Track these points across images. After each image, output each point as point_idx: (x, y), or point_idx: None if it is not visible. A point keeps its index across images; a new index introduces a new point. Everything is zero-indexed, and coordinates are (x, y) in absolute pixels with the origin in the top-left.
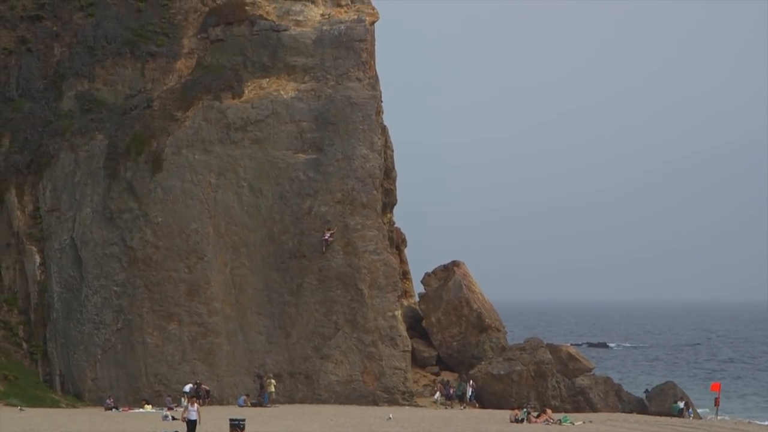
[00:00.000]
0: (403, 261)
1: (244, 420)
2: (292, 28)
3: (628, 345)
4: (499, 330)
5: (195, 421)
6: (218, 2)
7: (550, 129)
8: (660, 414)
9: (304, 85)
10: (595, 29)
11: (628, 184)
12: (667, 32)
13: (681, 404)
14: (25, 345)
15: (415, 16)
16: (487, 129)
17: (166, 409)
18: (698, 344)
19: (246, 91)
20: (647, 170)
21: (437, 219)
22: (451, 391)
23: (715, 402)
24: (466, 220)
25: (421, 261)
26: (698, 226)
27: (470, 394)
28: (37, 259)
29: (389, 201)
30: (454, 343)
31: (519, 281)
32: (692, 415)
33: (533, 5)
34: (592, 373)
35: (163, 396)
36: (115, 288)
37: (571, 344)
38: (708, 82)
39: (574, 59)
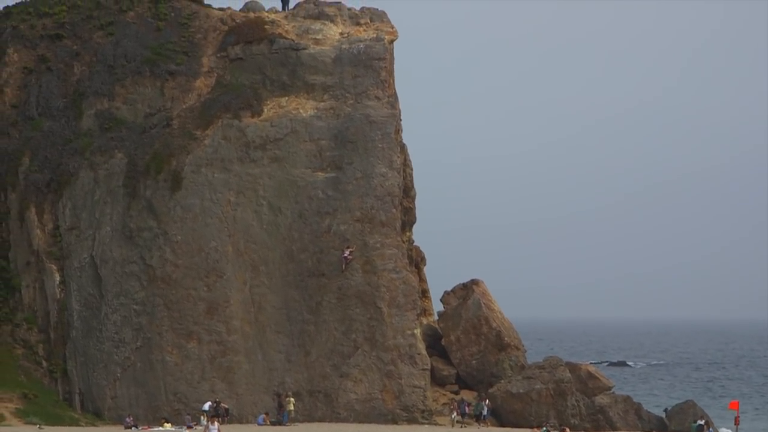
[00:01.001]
0: (422, 279)
1: None
2: (312, 46)
3: (647, 363)
4: (518, 348)
5: None
6: (238, 21)
7: (566, 144)
8: None
9: (323, 103)
10: (597, 53)
11: (630, 199)
12: (666, 61)
13: (701, 423)
14: (44, 363)
15: (433, 37)
16: (500, 146)
17: (185, 427)
18: (718, 363)
19: (265, 110)
20: (648, 185)
21: (455, 235)
22: (467, 409)
23: (735, 421)
24: (483, 234)
25: (440, 279)
26: (697, 242)
27: (486, 412)
28: (57, 277)
29: (408, 219)
30: (474, 362)
31: (529, 297)
32: None
33: (542, 29)
34: (611, 391)
35: (183, 414)
36: (135, 306)
37: (591, 363)
38: (710, 101)
39: (578, 80)
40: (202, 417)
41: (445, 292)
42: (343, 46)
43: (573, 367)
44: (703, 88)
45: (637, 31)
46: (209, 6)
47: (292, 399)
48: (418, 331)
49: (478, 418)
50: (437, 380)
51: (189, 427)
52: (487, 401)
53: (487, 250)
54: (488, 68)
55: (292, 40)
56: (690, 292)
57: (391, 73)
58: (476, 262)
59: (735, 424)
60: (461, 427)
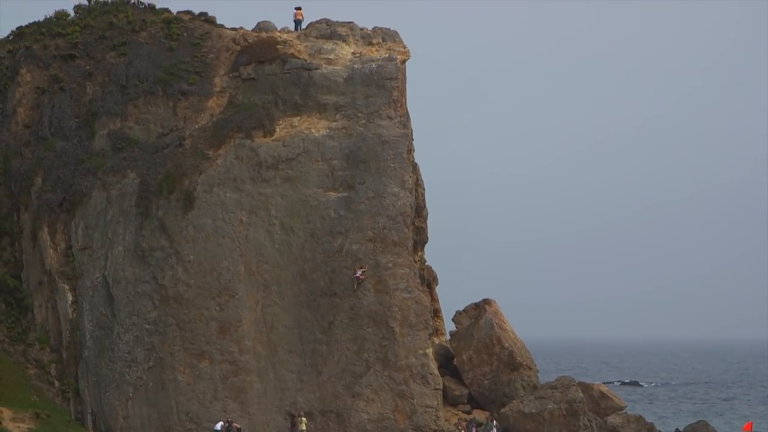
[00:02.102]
0: (434, 299)
1: None
2: (324, 66)
3: (659, 383)
4: (530, 368)
5: None
6: (250, 41)
7: (570, 163)
8: None
9: (335, 123)
10: (601, 75)
11: (627, 220)
12: (669, 84)
13: None
14: (57, 383)
15: (445, 58)
16: (502, 166)
17: None
18: (730, 382)
19: (277, 130)
20: (649, 204)
21: (466, 253)
22: (474, 430)
23: None
24: (493, 252)
25: (452, 298)
26: (697, 260)
27: None
28: (70, 297)
29: (420, 239)
30: (486, 382)
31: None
32: None
33: (551, 51)
34: (624, 411)
35: None
36: (147, 326)
37: (603, 382)
38: (715, 118)
39: (583, 101)
40: None
41: (457, 311)
42: (356, 66)
43: (585, 387)
44: (706, 108)
45: (644, 53)
46: (222, 26)
47: (304, 419)
48: (430, 351)
49: None
50: (449, 400)
51: None
52: (495, 421)
53: (489, 268)
54: (499, 89)
55: (305, 60)
56: (688, 312)
57: (403, 92)
58: (473, 279)
59: None
60: None
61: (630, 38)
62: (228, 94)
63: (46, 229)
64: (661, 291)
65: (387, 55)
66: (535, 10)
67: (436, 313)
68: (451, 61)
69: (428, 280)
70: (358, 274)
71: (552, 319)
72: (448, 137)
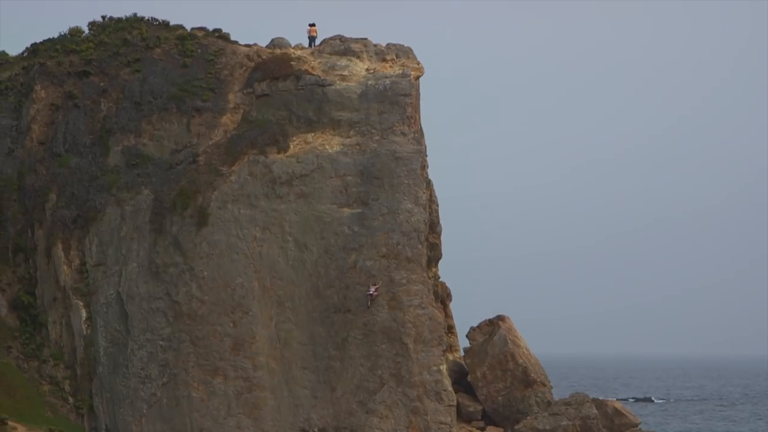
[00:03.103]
0: (448, 315)
1: None
2: (338, 82)
3: (672, 399)
4: (544, 385)
5: None
6: (264, 57)
7: (573, 180)
8: None
9: (349, 139)
10: (603, 96)
11: (628, 234)
12: (669, 105)
13: None
14: (71, 399)
15: (458, 76)
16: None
17: None
18: (738, 400)
19: (291, 146)
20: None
21: (479, 266)
22: None
23: None
24: (507, 265)
25: (465, 311)
26: (695, 277)
27: None
28: (84, 313)
29: (434, 255)
30: (500, 398)
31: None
32: None
33: (556, 72)
34: (638, 428)
35: None
36: (161, 342)
37: (617, 399)
38: (714, 135)
39: (587, 119)
40: None
41: (471, 328)
42: (369, 83)
43: (599, 404)
44: (704, 130)
45: (652, 68)
46: (236, 42)
47: None
48: (444, 367)
49: None
50: (463, 416)
51: None
52: None
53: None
54: (509, 105)
55: (319, 76)
56: (684, 327)
57: (417, 109)
58: (482, 293)
59: None
60: None
61: (639, 54)
62: (242, 111)
63: (60, 246)
64: (653, 306)
65: (401, 72)
66: (544, 27)
67: (450, 329)
68: (463, 77)
69: (442, 297)
70: (371, 291)
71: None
72: (459, 152)
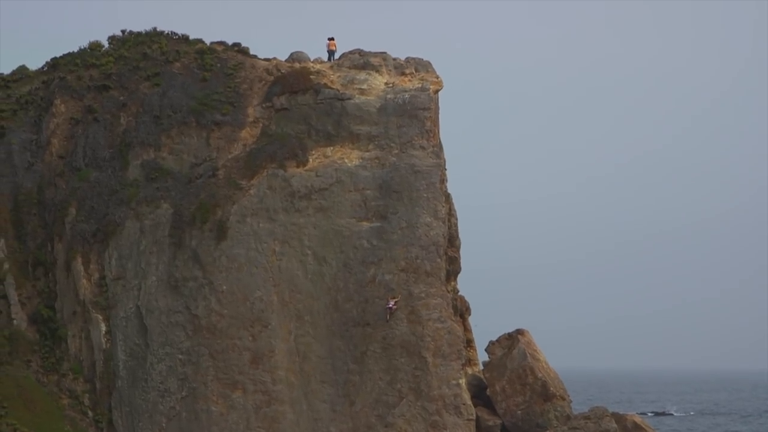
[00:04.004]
0: (467, 329)
1: None
2: (357, 96)
3: (691, 412)
4: (563, 399)
5: None
6: (283, 71)
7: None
8: None
9: (368, 153)
10: (605, 110)
11: (628, 245)
12: (669, 118)
13: None
14: (90, 413)
15: (470, 89)
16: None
17: None
18: (760, 414)
19: (310, 160)
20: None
21: (491, 276)
22: None
23: None
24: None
25: (485, 327)
26: (694, 290)
27: None
28: (103, 327)
29: (453, 269)
30: (519, 412)
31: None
32: None
33: (559, 86)
34: None
35: None
36: (180, 356)
37: (637, 413)
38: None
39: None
40: None
41: (490, 341)
42: (388, 96)
43: (619, 418)
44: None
45: (662, 73)
46: (255, 56)
47: None
48: (463, 381)
49: None
50: (482, 430)
51: None
52: None
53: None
54: (503, 124)
55: (338, 90)
56: (682, 341)
57: (436, 122)
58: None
59: None
60: None
61: (631, 78)
62: (261, 125)
63: (79, 259)
64: (642, 321)
65: (420, 85)
66: (554, 38)
67: (469, 343)
68: (473, 94)
69: (461, 310)
70: (390, 305)
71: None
72: (475, 162)
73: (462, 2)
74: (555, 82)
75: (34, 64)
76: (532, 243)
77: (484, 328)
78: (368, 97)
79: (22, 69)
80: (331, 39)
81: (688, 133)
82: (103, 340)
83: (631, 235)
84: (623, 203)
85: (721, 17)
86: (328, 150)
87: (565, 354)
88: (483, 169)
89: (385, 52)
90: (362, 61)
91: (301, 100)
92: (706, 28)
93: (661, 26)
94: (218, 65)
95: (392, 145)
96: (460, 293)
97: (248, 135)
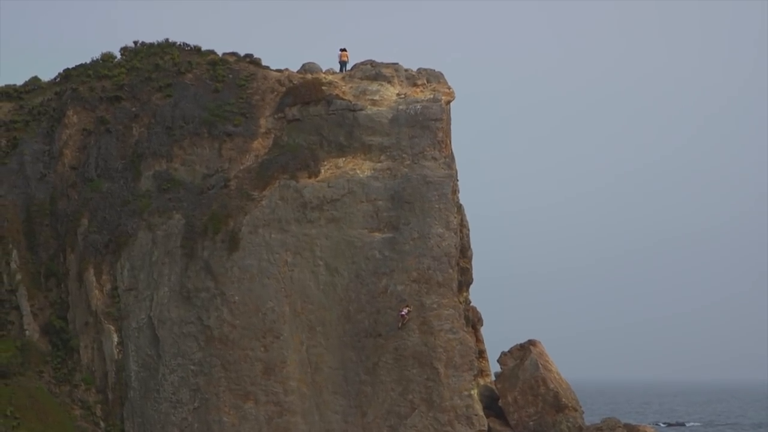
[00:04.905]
0: (479, 340)
1: None
2: (369, 107)
3: (705, 423)
4: (575, 410)
5: None
6: (295, 82)
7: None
8: None
9: (380, 164)
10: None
11: (629, 255)
12: (671, 129)
13: None
14: (102, 424)
15: (479, 100)
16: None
17: None
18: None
19: (322, 170)
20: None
21: (501, 284)
22: None
23: None
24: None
25: (496, 337)
26: (692, 299)
27: None
28: (115, 338)
29: (465, 279)
30: (531, 423)
31: None
32: None
33: (562, 97)
34: None
35: None
36: (192, 367)
37: (649, 424)
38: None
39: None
40: None
41: (502, 352)
42: (400, 107)
43: (632, 429)
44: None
45: (651, 97)
46: (267, 67)
47: None
48: (475, 392)
49: None
50: None
51: None
52: None
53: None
54: (509, 133)
55: (349, 101)
56: (680, 352)
57: (447, 133)
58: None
59: None
60: None
61: (654, 71)
62: (273, 135)
63: (92, 270)
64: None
65: (432, 96)
66: (560, 48)
67: (481, 353)
68: (482, 104)
69: (473, 321)
70: (403, 312)
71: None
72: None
73: (470, 10)
74: (562, 91)
75: (47, 75)
76: (538, 251)
77: (487, 336)
78: (380, 108)
79: (35, 80)
80: (343, 50)
81: (694, 141)
82: (115, 351)
83: (640, 243)
84: (631, 210)
85: (728, 27)
86: (340, 161)
87: (564, 364)
88: (489, 177)
89: (396, 63)
90: (374, 72)
91: (313, 111)
92: (712, 36)
93: (668, 35)
94: (230, 76)
95: (404, 155)
96: (471, 304)
97: (260, 146)
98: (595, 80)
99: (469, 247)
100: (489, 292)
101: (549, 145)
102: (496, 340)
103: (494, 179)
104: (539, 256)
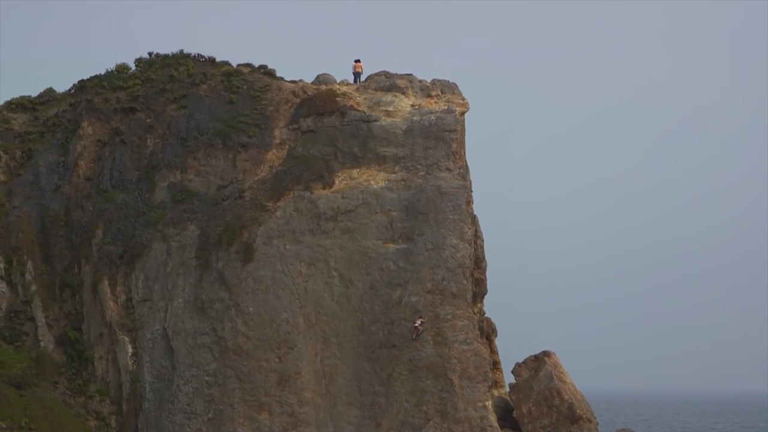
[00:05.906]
0: (493, 351)
1: None
2: (383, 118)
3: None
4: (590, 421)
5: None
6: (309, 94)
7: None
8: None
9: (394, 175)
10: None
11: (631, 263)
12: (671, 139)
13: None
14: None
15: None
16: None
17: None
18: None
19: (336, 182)
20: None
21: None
22: None
23: None
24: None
25: (511, 348)
26: (689, 308)
27: None
28: (130, 349)
29: (479, 291)
30: None
31: None
32: None
33: (563, 106)
34: None
35: None
36: (207, 378)
37: None
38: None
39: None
40: None
41: (517, 363)
42: (414, 118)
43: None
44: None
45: (654, 107)
46: (281, 79)
47: None
48: (489, 403)
49: None
50: None
51: None
52: None
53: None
54: (514, 142)
55: (364, 112)
56: (679, 362)
57: (462, 144)
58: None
59: None
60: None
61: (657, 81)
62: (287, 147)
63: (106, 281)
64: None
65: (446, 107)
66: (569, 56)
67: (496, 365)
68: (487, 106)
69: (487, 332)
70: (417, 324)
71: None
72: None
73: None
74: (566, 100)
75: (62, 86)
76: (537, 260)
77: (512, 339)
78: (394, 119)
79: (50, 91)
80: (358, 61)
81: (697, 150)
82: (130, 362)
83: (640, 251)
84: (631, 219)
85: (730, 37)
86: (354, 172)
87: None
88: (494, 185)
89: (411, 74)
90: (388, 83)
91: (328, 122)
92: (715, 46)
93: (671, 45)
94: (245, 87)
95: (418, 166)
96: (486, 315)
97: (274, 157)
98: (599, 90)
99: (484, 258)
100: (496, 299)
101: (552, 154)
102: (506, 341)
103: (497, 188)
104: (538, 265)
